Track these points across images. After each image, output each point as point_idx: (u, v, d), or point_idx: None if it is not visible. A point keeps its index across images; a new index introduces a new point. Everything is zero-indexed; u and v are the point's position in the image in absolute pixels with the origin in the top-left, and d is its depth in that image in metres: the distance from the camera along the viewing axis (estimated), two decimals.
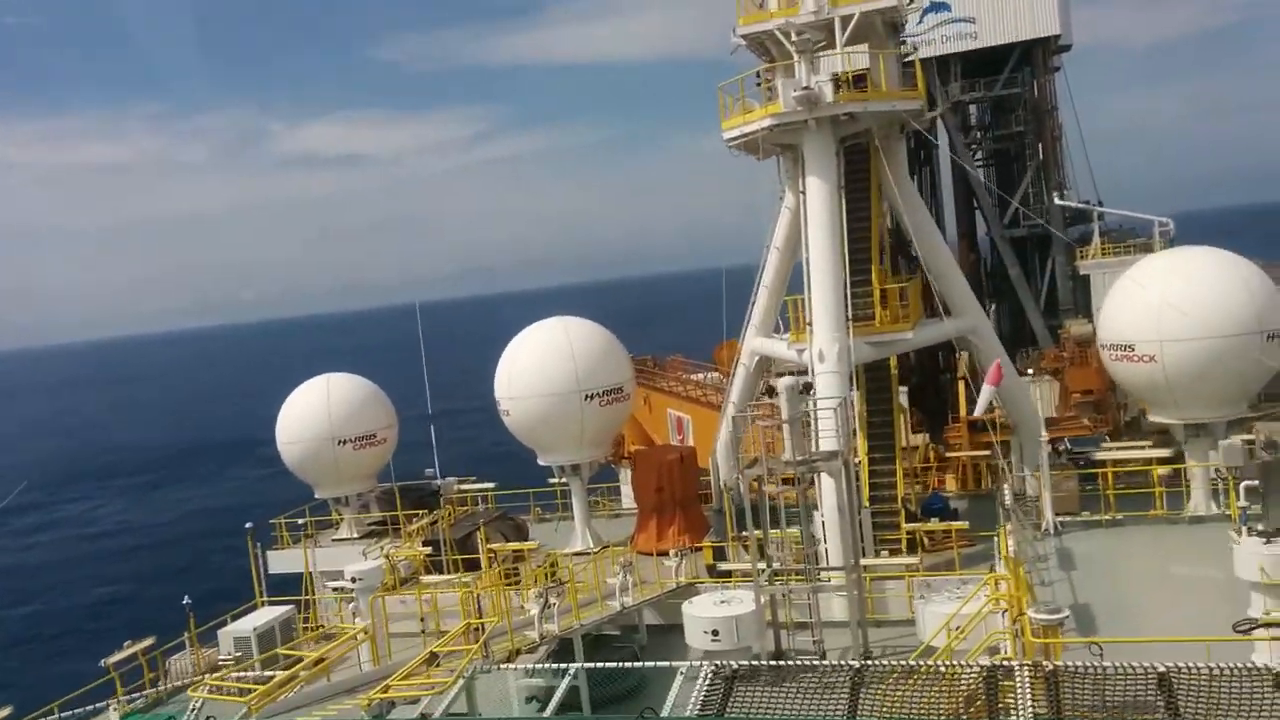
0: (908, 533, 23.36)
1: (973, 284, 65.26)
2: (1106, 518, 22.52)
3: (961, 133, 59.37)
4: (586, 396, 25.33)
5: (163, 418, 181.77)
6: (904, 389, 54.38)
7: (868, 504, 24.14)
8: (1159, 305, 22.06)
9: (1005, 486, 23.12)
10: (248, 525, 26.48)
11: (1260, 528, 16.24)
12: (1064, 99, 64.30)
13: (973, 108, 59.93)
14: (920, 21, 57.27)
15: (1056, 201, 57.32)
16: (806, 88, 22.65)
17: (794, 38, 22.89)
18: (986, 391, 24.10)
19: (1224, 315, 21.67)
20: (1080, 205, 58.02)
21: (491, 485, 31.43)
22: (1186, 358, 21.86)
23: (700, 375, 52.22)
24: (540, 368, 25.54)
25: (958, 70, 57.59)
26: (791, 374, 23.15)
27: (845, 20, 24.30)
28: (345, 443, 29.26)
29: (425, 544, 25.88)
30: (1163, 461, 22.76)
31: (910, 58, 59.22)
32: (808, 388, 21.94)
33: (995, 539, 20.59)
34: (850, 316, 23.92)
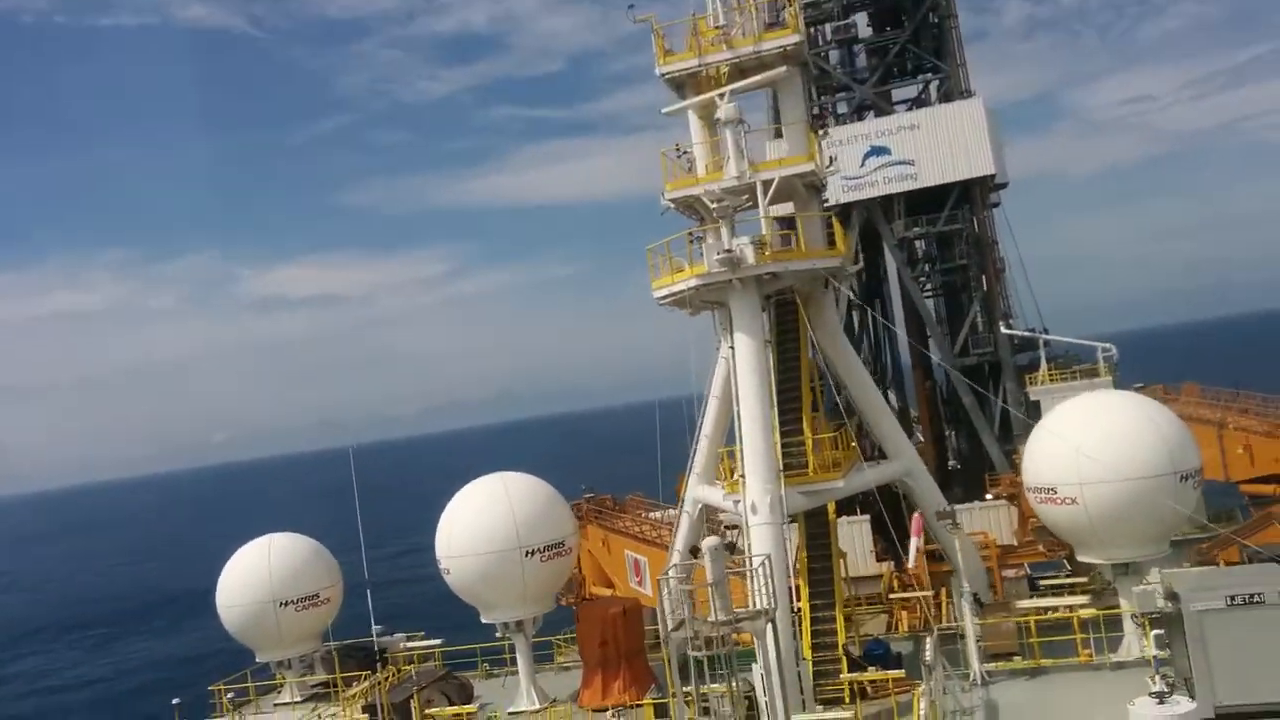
0: (850, 682, 23.41)
1: (930, 411, 66.99)
2: (1033, 665, 22.69)
3: (909, 266, 61.48)
4: (527, 553, 25.55)
5: (121, 567, 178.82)
6: (866, 517, 54.98)
7: (808, 654, 24.26)
8: (1076, 451, 22.83)
9: (929, 640, 23.30)
10: (175, 701, 26.06)
11: (1160, 678, 16.47)
12: (1005, 232, 67.11)
13: (919, 242, 62.20)
14: (863, 165, 60.15)
15: (1003, 330, 59.11)
16: (728, 250, 23.84)
17: (716, 203, 24.23)
18: (913, 543, 24.57)
19: (1138, 459, 22.46)
20: (1026, 333, 59.77)
21: (438, 642, 31.19)
22: (1107, 499, 22.52)
23: (658, 514, 52.42)
24: (479, 525, 25.80)
25: (901, 209, 60.05)
26: (729, 528, 23.60)
27: (766, 185, 25.70)
28: (287, 604, 29.10)
29: (365, 709, 25.53)
30: (1084, 608, 23.11)
31: (830, 206, 61.93)
32: (731, 547, 22.26)
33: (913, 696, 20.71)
34: (782, 467, 24.55)
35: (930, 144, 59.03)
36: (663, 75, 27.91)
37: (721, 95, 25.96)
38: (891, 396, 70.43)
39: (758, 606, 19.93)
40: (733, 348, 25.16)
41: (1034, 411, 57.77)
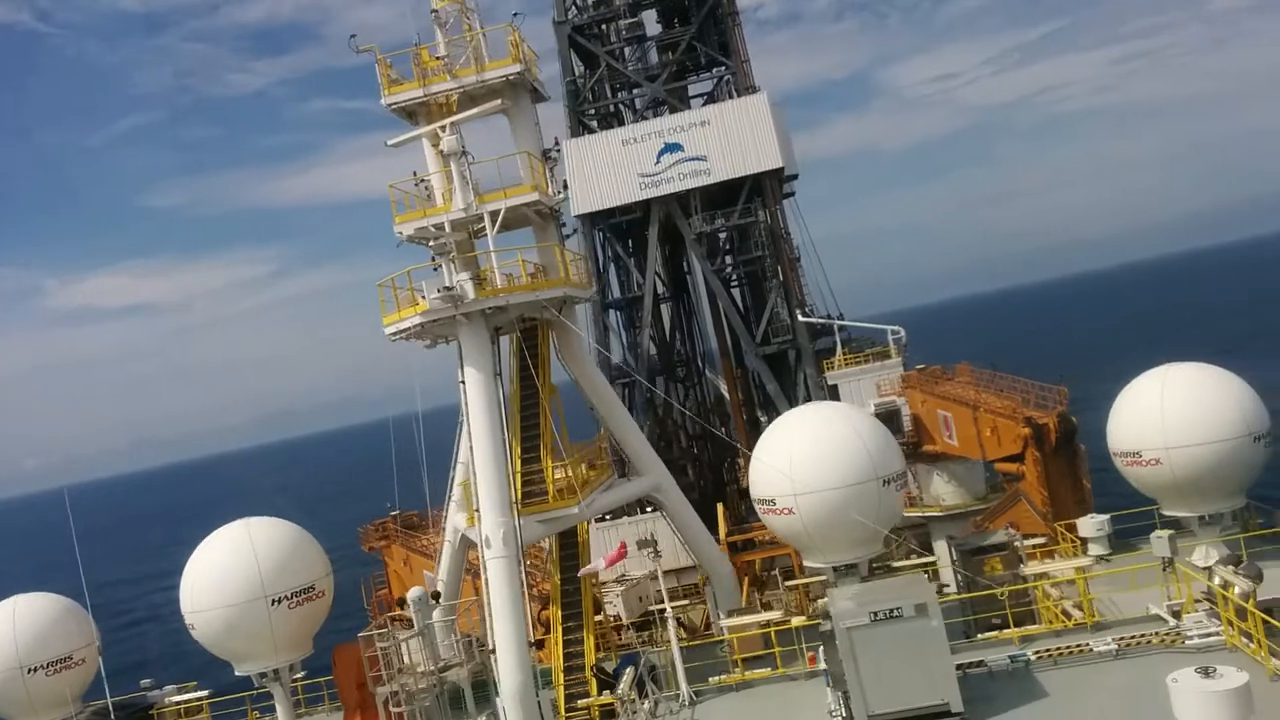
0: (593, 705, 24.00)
1: (745, 398, 68.69)
2: (739, 679, 23.74)
3: (709, 260, 62.88)
4: (274, 601, 25.15)
5: None
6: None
7: (561, 681, 24.77)
8: (789, 464, 24.00)
9: (644, 655, 24.10)
10: None
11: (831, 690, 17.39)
12: (798, 221, 69.42)
13: (722, 234, 63.66)
14: (658, 161, 61.08)
15: (800, 318, 61.19)
16: (448, 287, 23.91)
17: (433, 241, 24.24)
18: (595, 564, 25.16)
19: (848, 466, 23.74)
20: (821, 320, 62.07)
21: (205, 693, 30.39)
22: (818, 507, 23.76)
23: None
24: (222, 577, 25.24)
25: (697, 204, 61.29)
26: None
27: (494, 215, 25.84)
28: (36, 670, 27.70)
29: None
30: (779, 625, 24.23)
31: (630, 203, 62.30)
32: (436, 596, 22.48)
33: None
34: (519, 498, 24.90)
35: (720, 140, 60.35)
36: (389, 106, 27.63)
37: (443, 127, 25.91)
38: (721, 384, 72.21)
39: (456, 655, 20.23)
40: (462, 382, 25.29)
41: (833, 395, 60.35)
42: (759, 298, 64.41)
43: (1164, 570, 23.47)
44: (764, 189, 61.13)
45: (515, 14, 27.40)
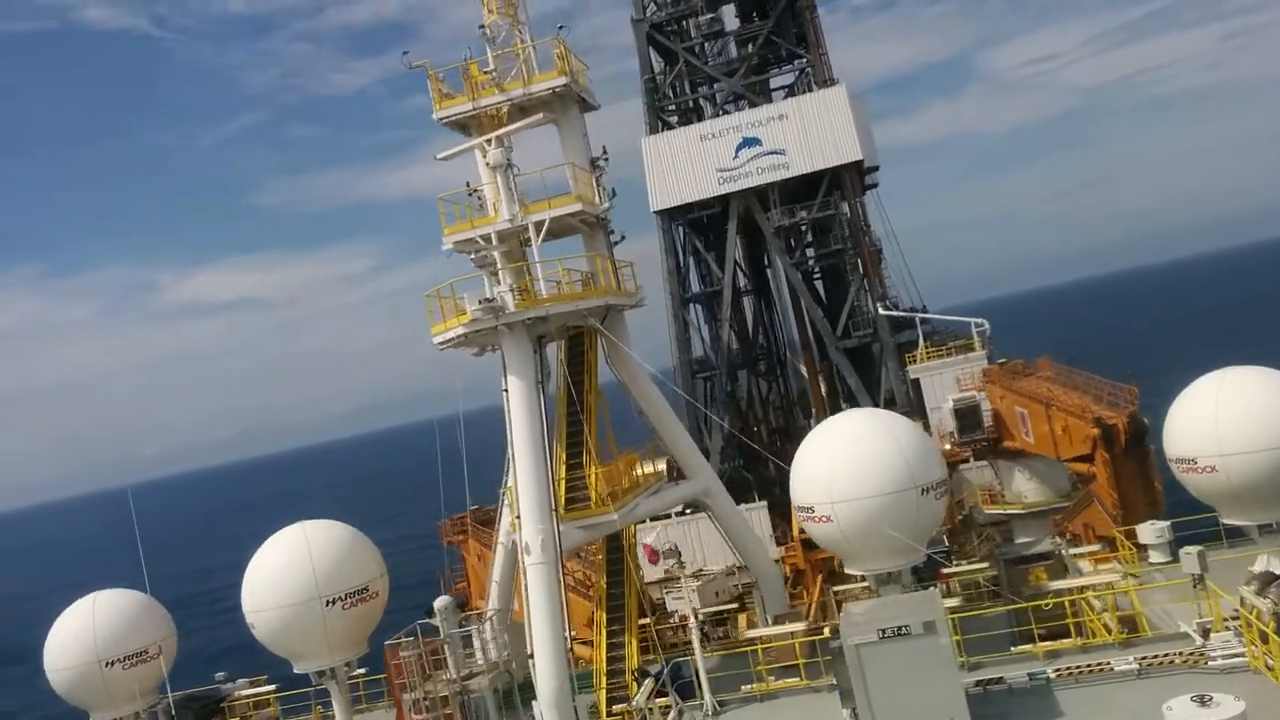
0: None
1: (828, 390, 67.51)
2: (762, 689, 23.43)
3: (789, 253, 62.12)
4: (328, 602, 26.00)
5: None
6: (763, 503, 55.82)
7: (603, 684, 24.95)
8: (828, 473, 23.62)
9: (672, 662, 23.94)
10: None
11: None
12: (878, 213, 68.01)
13: (803, 228, 62.77)
14: (736, 156, 60.61)
15: (880, 312, 59.97)
16: (488, 299, 24.22)
17: (475, 254, 24.54)
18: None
19: (885, 475, 23.24)
20: (903, 313, 60.71)
21: (273, 687, 31.55)
22: (856, 516, 23.34)
23: None
24: (280, 578, 26.19)
25: (776, 198, 60.60)
26: None
27: (538, 226, 26.06)
28: (113, 664, 28.88)
29: None
30: (806, 636, 23.80)
31: (709, 198, 61.63)
32: (462, 605, 22.75)
33: None
34: (563, 503, 25.08)
35: (798, 133, 59.51)
36: (441, 120, 28.07)
37: (489, 140, 26.20)
38: (795, 380, 71.35)
39: (488, 660, 20.51)
40: (505, 390, 25.61)
41: (915, 388, 59.02)
42: (840, 291, 63.28)
43: (1194, 587, 22.40)
44: (843, 182, 60.03)
45: (560, 27, 27.55)
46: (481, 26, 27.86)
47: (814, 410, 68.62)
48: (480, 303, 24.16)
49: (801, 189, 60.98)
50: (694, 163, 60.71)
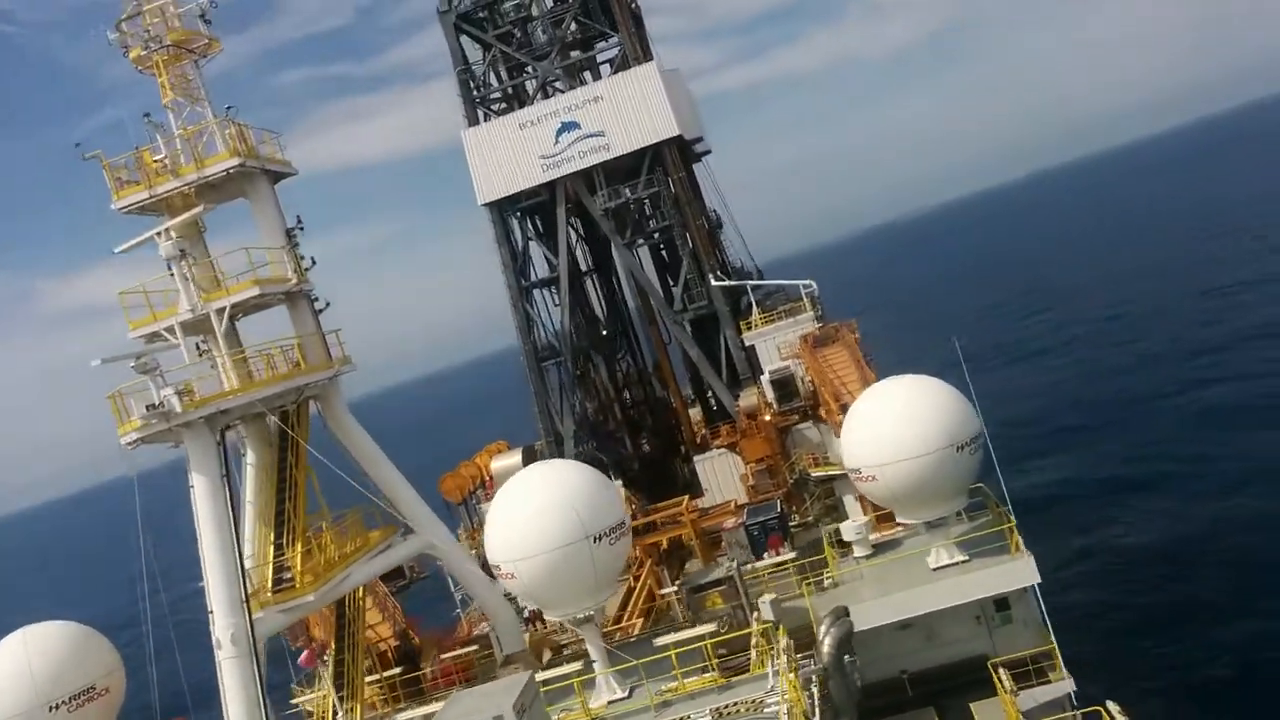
0: None
1: (677, 365, 67.65)
2: None
3: (620, 233, 61.80)
4: (594, 539, 24.83)
5: None
6: (617, 483, 56.30)
7: None
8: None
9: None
10: None
11: None
12: (710, 184, 67.72)
13: (632, 207, 62.36)
14: (556, 141, 59.82)
15: (713, 283, 60.08)
16: (152, 405, 23.88)
17: (135, 360, 24.03)
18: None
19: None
20: (734, 283, 60.87)
21: None
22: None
23: None
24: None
25: (601, 179, 60.07)
26: None
27: (221, 313, 25.67)
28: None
29: None
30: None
31: (534, 186, 60.41)
32: None
33: None
34: (269, 588, 25.15)
35: (614, 114, 58.74)
36: (121, 209, 27.39)
37: (159, 233, 25.62)
38: (651, 353, 71.31)
39: None
40: (191, 486, 25.42)
41: (751, 355, 59.46)
42: (674, 268, 63.32)
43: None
44: (664, 158, 59.59)
45: (229, 108, 26.82)
46: (145, 115, 27.07)
47: (667, 383, 69.15)
48: (147, 409, 23.88)
49: (630, 168, 60.51)
50: (516, 152, 59.81)
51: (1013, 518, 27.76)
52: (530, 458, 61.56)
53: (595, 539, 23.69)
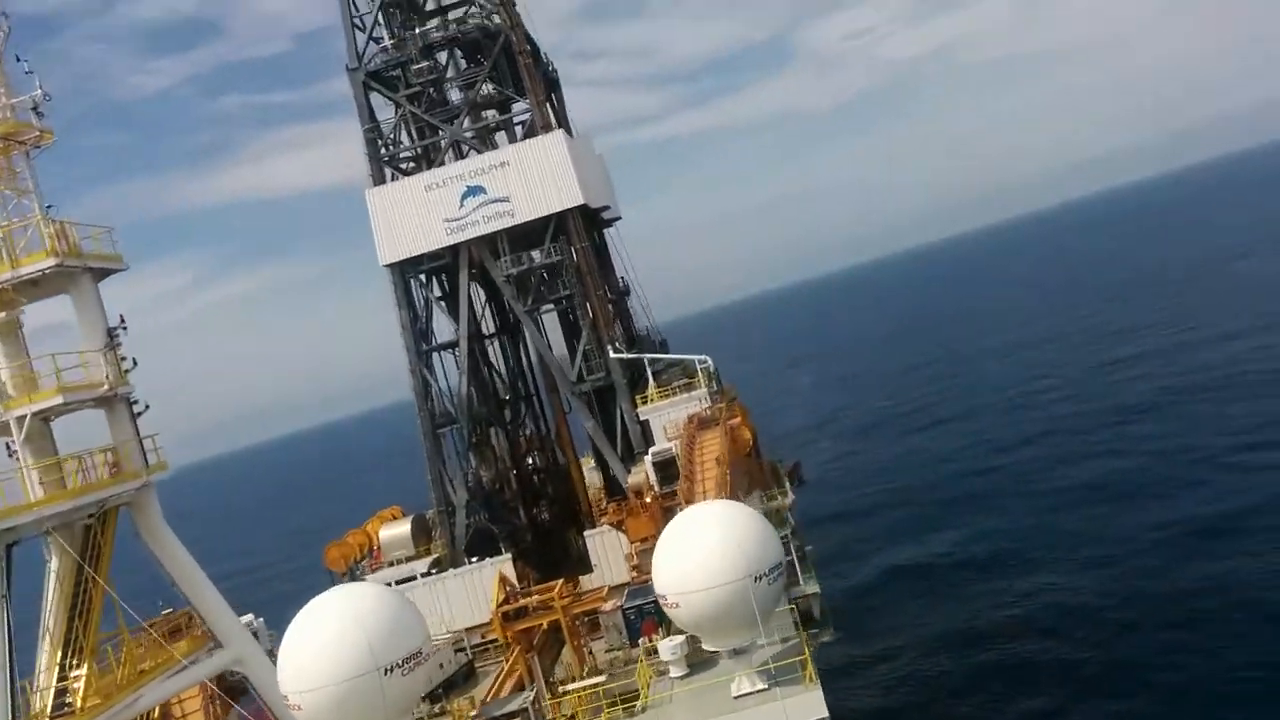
0: None
1: (583, 431, 66.31)
2: None
3: (521, 300, 60.64)
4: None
5: None
6: (506, 557, 54.83)
7: None
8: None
9: None
10: None
11: None
12: (620, 252, 67.10)
13: (537, 274, 61.27)
14: (461, 205, 58.67)
15: (611, 355, 59.14)
16: None
17: None
18: None
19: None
20: (631, 356, 59.95)
21: None
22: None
23: None
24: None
25: (505, 245, 59.01)
26: None
27: (20, 421, 23.96)
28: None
29: None
30: None
31: (438, 249, 59.33)
32: None
33: None
34: (46, 714, 23.32)
35: (520, 180, 57.88)
36: None
37: None
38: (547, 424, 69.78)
39: None
40: None
41: (645, 430, 58.47)
42: (575, 337, 62.36)
43: None
44: (568, 227, 58.74)
45: (49, 206, 25.24)
46: None
47: (565, 451, 67.88)
48: None
49: (537, 232, 59.54)
50: (420, 213, 58.57)
51: (807, 648, 28.11)
52: (420, 527, 59.84)
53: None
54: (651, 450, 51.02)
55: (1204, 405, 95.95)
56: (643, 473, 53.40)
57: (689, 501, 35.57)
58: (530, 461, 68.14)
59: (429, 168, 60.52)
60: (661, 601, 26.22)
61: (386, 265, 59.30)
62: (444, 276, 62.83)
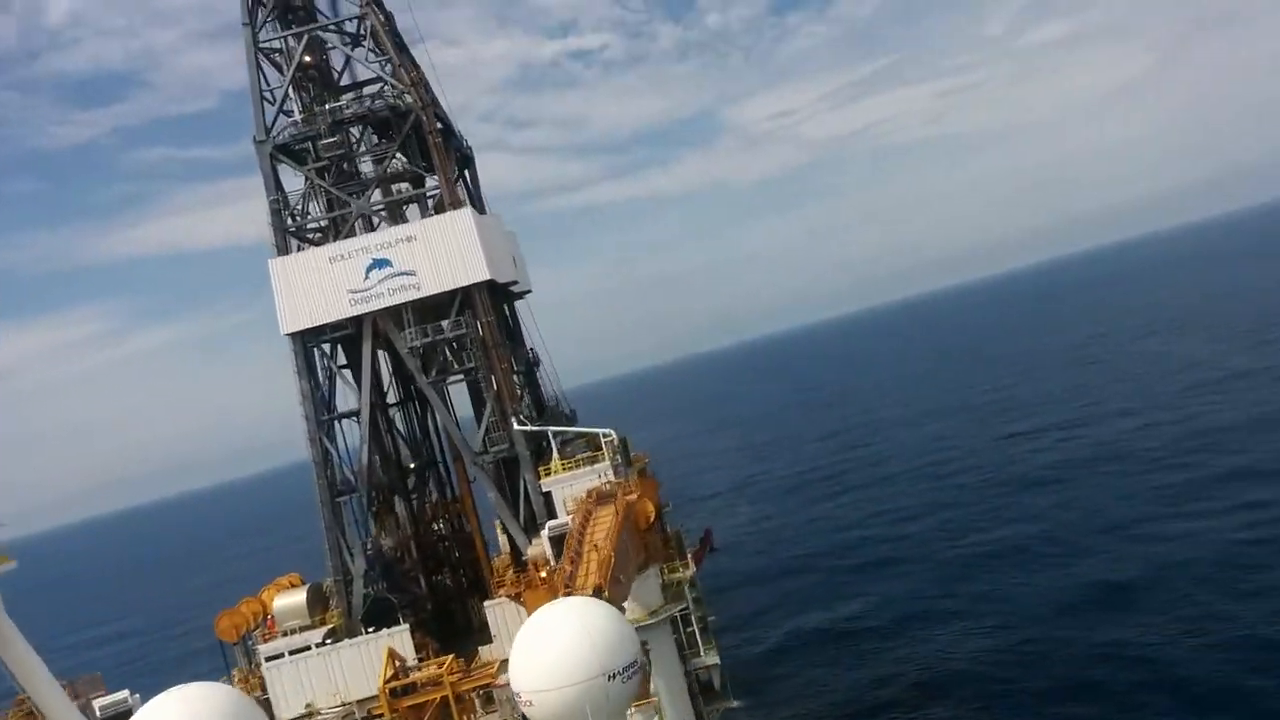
0: None
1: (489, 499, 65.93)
2: None
3: (425, 372, 60.68)
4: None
5: None
6: (404, 628, 53.99)
7: None
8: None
9: None
10: None
11: None
12: (531, 325, 67.78)
13: (438, 349, 61.36)
14: (366, 277, 58.74)
15: (515, 427, 59.30)
16: None
17: None
18: None
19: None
20: (535, 429, 60.22)
21: None
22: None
23: None
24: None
25: (410, 318, 59.13)
26: None
27: None
28: None
29: None
30: None
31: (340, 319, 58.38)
32: None
33: None
34: None
35: (427, 254, 58.25)
36: None
37: None
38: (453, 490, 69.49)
39: None
40: None
41: (548, 502, 58.55)
42: (481, 408, 62.48)
43: None
44: (473, 301, 59.15)
45: None
46: None
47: (470, 519, 67.60)
48: None
49: (443, 306, 59.84)
50: (324, 284, 58.45)
51: None
52: (317, 596, 58.74)
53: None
54: (548, 525, 51.18)
55: (1099, 477, 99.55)
56: (541, 545, 53.45)
57: (566, 586, 35.73)
58: (436, 528, 67.65)
59: (337, 238, 60.73)
60: (517, 699, 26.21)
61: (288, 334, 58.96)
62: (349, 346, 62.65)
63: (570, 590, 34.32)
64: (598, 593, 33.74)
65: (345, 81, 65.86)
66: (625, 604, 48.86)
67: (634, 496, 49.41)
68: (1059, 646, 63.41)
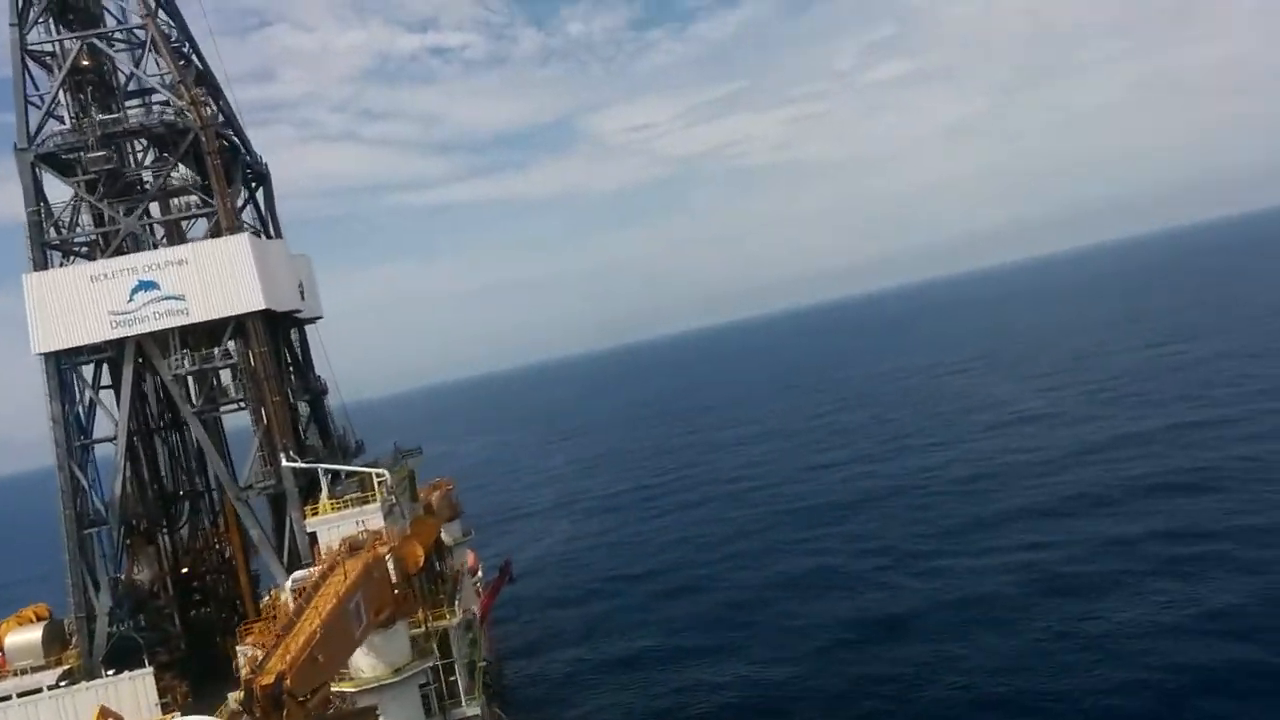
0: None
1: (246, 538, 62.59)
2: None
3: (189, 401, 57.55)
4: None
5: None
6: (148, 670, 50.57)
7: None
8: None
9: None
10: None
11: None
12: (320, 354, 65.31)
13: (209, 376, 58.26)
14: (131, 299, 55.19)
15: (284, 463, 56.85)
16: None
17: None
18: None
19: None
20: (305, 465, 57.91)
21: None
22: None
23: None
24: None
25: (176, 343, 55.97)
26: None
27: None
28: None
29: None
30: None
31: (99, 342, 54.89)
32: None
33: None
34: None
35: (198, 279, 55.18)
36: None
37: None
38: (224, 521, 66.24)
39: None
40: None
41: (313, 541, 56.31)
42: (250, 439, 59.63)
43: None
44: (246, 330, 56.41)
45: None
46: None
47: (236, 553, 64.61)
48: None
49: (218, 333, 56.82)
50: (84, 304, 54.65)
51: None
52: (55, 634, 54.77)
53: None
54: (293, 576, 49.10)
55: (902, 509, 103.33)
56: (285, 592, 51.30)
57: (261, 667, 33.95)
58: (204, 559, 64.34)
59: (106, 254, 56.99)
60: None
61: (40, 354, 54.90)
62: (115, 368, 58.84)
63: (254, 678, 32.56)
64: (279, 680, 32.25)
65: (133, 87, 61.96)
66: (369, 658, 47.29)
67: (387, 548, 47.83)
68: (832, 680, 65.10)
